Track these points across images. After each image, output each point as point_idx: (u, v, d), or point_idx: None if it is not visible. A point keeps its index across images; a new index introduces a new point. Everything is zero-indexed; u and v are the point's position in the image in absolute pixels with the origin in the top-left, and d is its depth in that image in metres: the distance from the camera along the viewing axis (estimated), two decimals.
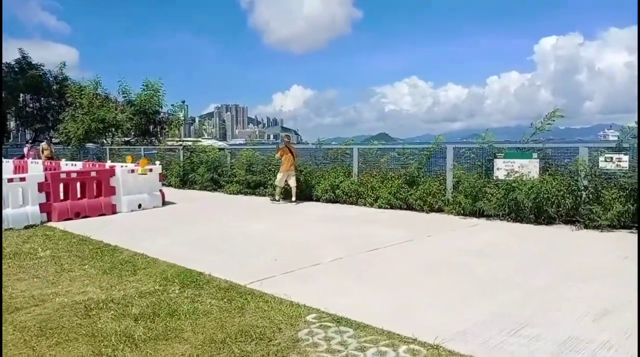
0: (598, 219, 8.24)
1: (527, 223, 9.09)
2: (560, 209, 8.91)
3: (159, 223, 9.83)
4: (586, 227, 8.46)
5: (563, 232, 8.37)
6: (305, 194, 13.20)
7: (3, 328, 4.14)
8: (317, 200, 12.89)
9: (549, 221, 9.00)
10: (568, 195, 8.84)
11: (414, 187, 11.06)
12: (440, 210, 10.64)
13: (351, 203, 12.19)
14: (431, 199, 10.69)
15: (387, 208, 11.30)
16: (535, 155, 9.54)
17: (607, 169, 8.64)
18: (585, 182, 8.75)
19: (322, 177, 13.07)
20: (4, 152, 24.86)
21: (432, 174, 11.21)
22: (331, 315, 4.28)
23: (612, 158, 8.59)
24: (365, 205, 11.82)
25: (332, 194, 12.52)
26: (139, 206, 11.84)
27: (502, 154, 10.00)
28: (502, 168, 9.96)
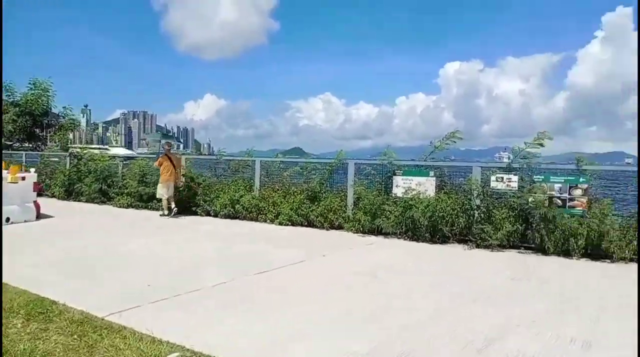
0: (489, 238, 8.41)
1: (423, 242, 9.10)
2: (454, 228, 9.02)
3: (24, 240, 8.56)
4: (478, 246, 8.60)
5: (456, 251, 8.44)
6: (202, 209, 12.41)
7: None
8: (216, 215, 12.15)
9: (444, 239, 9.07)
10: (462, 214, 8.97)
11: (316, 203, 10.75)
12: (340, 227, 10.41)
13: (251, 219, 11.61)
14: (332, 216, 10.43)
15: (288, 225, 10.86)
16: (432, 173, 9.63)
17: (498, 189, 8.90)
18: (478, 202, 8.95)
19: (222, 190, 12.37)
20: None
21: (334, 190, 10.98)
22: (196, 354, 3.68)
23: (502, 178, 8.85)
24: (265, 221, 11.30)
25: (232, 209, 11.86)
26: (7, 219, 10.35)
27: (401, 172, 10.01)
28: (400, 185, 9.95)
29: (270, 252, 7.85)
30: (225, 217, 11.94)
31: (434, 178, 9.60)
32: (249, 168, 12.46)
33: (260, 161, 12.15)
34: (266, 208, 11.42)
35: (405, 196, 9.63)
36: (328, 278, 6.23)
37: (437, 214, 8.93)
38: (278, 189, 11.69)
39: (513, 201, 8.56)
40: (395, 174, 10.07)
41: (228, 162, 12.98)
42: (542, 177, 8.54)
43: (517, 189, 8.71)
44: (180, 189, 12.48)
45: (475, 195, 8.96)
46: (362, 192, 10.15)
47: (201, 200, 12.52)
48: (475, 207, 8.94)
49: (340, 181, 11.03)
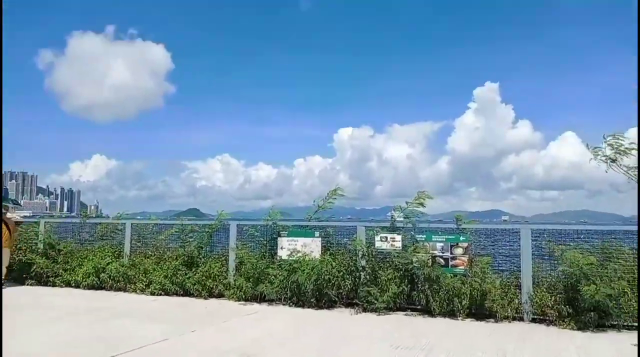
0: (375, 301, 7.96)
1: (309, 307, 8.43)
2: (341, 291, 8.51)
3: None
4: (365, 310, 8.10)
5: (342, 316, 7.86)
6: (62, 279, 10.71)
7: None
8: (77, 286, 10.50)
9: (330, 304, 8.49)
10: (348, 276, 8.51)
11: (193, 270, 9.69)
12: (220, 295, 9.40)
13: (119, 289, 10.18)
14: (211, 283, 9.41)
15: (160, 294, 9.62)
16: (317, 233, 9.15)
17: (383, 249, 8.60)
18: (363, 263, 8.55)
19: (86, 258, 10.82)
20: None
21: (215, 254, 10.02)
22: None
23: (386, 238, 8.60)
24: (135, 291, 9.93)
25: (96, 279, 10.34)
26: None
27: (286, 232, 9.41)
28: (285, 247, 9.32)
29: (131, 330, 6.65)
30: (89, 288, 10.37)
31: (319, 239, 9.11)
32: (120, 232, 11.10)
33: (132, 224, 10.88)
34: (136, 276, 10.10)
35: (290, 258, 8.99)
36: None
37: (322, 277, 8.36)
38: (151, 255, 10.47)
39: (398, 262, 8.28)
40: (280, 235, 9.44)
41: (95, 226, 11.50)
42: (425, 236, 8.41)
43: (401, 248, 8.48)
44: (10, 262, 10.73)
45: (360, 255, 8.58)
46: (244, 255, 9.33)
47: (61, 269, 10.84)
48: (361, 268, 8.53)
49: (222, 244, 10.13)
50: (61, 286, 10.68)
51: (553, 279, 7.67)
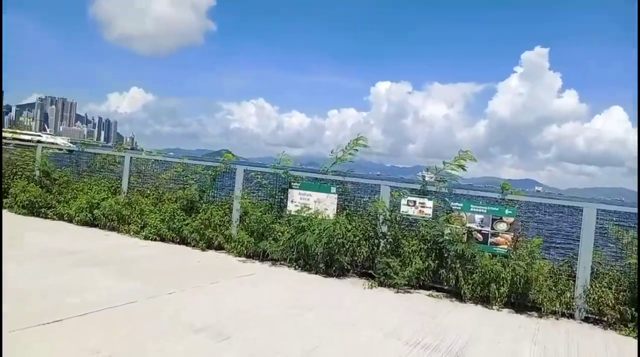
0: (394, 275, 6.69)
1: (316, 273, 7.25)
2: (356, 258, 7.28)
3: None
4: (381, 284, 6.86)
5: (353, 290, 6.63)
6: (55, 211, 9.81)
7: None
8: (70, 221, 9.60)
9: (342, 272, 7.28)
10: (365, 242, 7.22)
11: (193, 216, 8.57)
12: (220, 247, 8.31)
13: (112, 229, 9.23)
14: (210, 233, 8.30)
15: (156, 240, 8.61)
16: (334, 189, 7.82)
17: (409, 215, 7.23)
18: (385, 229, 7.22)
19: (82, 190, 9.85)
20: None
21: (218, 201, 8.83)
22: None
23: (415, 202, 7.20)
24: (129, 233, 8.95)
25: (90, 215, 9.39)
26: None
27: (298, 184, 8.11)
28: (296, 201, 8.06)
29: (97, 285, 5.58)
30: (82, 224, 9.45)
31: (336, 195, 7.78)
32: (119, 166, 10.03)
33: (131, 158, 9.76)
34: (131, 217, 9.08)
35: (300, 215, 7.74)
36: (137, 338, 4.10)
37: (335, 241, 7.09)
38: (149, 195, 9.39)
39: (426, 232, 6.91)
40: (291, 187, 8.16)
41: (93, 156, 10.44)
42: (461, 205, 6.96)
43: (431, 216, 7.09)
44: None
45: (381, 220, 7.22)
46: (248, 206, 8.12)
47: (54, 200, 9.93)
48: (381, 235, 7.20)
49: (227, 190, 8.93)
50: (53, 219, 9.80)
51: (617, 273, 6.20)
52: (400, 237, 7.10)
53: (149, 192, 9.47)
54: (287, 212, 8.05)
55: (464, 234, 6.71)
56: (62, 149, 12.38)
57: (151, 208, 9.03)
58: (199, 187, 8.84)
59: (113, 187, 9.82)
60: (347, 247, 7.15)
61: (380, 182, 7.54)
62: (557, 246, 6.82)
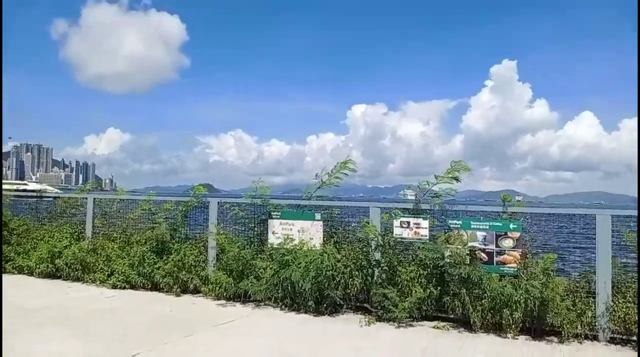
0: (393, 308, 5.92)
1: (305, 312, 6.45)
2: (349, 291, 6.50)
3: None
4: (379, 318, 6.08)
5: (349, 329, 5.83)
6: (14, 264, 8.87)
7: None
8: (31, 273, 8.68)
9: (334, 308, 6.49)
10: (357, 272, 6.47)
11: (164, 257, 7.72)
12: (196, 291, 7.47)
13: (77, 279, 8.33)
14: (185, 275, 7.45)
15: (124, 287, 7.75)
16: (319, 216, 7.08)
17: (403, 238, 6.51)
18: (378, 256, 6.48)
19: (42, 239, 8.94)
20: None
21: (191, 239, 8.00)
22: None
23: (409, 223, 6.50)
24: (95, 282, 8.06)
25: (51, 266, 8.48)
26: None
27: (279, 214, 7.36)
28: (278, 232, 7.30)
29: (49, 351, 4.71)
30: (43, 276, 8.55)
31: (321, 222, 7.04)
32: (81, 209, 9.15)
33: (94, 199, 8.89)
34: (96, 264, 8.20)
35: (283, 247, 6.96)
36: None
37: (324, 274, 6.32)
38: (116, 238, 8.51)
39: (424, 255, 6.18)
40: (271, 217, 7.40)
41: (53, 201, 9.56)
42: (460, 222, 6.28)
43: (428, 238, 6.39)
44: None
45: (373, 246, 6.49)
46: (225, 242, 7.31)
47: (12, 252, 8.99)
48: (375, 262, 6.45)
49: (201, 226, 8.12)
50: (13, 273, 8.86)
51: None
52: (396, 263, 6.36)
53: (115, 235, 8.60)
54: (269, 246, 7.27)
55: (466, 255, 5.99)
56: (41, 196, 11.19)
57: (118, 253, 8.16)
58: (170, 225, 8.01)
59: (76, 233, 8.91)
60: (337, 279, 6.38)
61: (369, 203, 6.83)
62: (569, 258, 6.16)
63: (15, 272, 8.87)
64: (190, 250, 7.67)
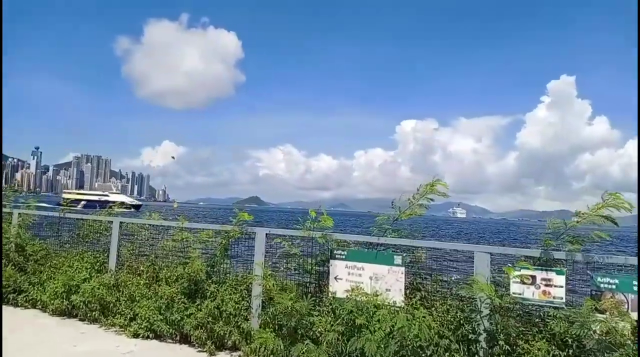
0: None
1: None
2: None
3: None
4: None
5: None
6: (28, 297, 7.54)
7: None
8: (44, 309, 7.33)
9: None
10: (457, 346, 4.57)
11: (198, 302, 6.12)
12: (235, 348, 5.80)
13: (94, 320, 6.87)
14: (222, 328, 5.80)
15: (147, 337, 6.21)
16: (398, 259, 5.25)
17: (525, 299, 4.57)
18: (487, 324, 4.56)
19: (60, 268, 7.59)
20: None
21: (232, 278, 6.35)
22: None
23: (533, 279, 4.56)
24: (114, 326, 6.58)
25: (67, 302, 7.08)
26: None
27: (344, 253, 5.59)
28: (343, 278, 5.52)
29: None
30: (57, 314, 7.19)
31: (403, 268, 5.20)
32: (106, 234, 7.72)
33: (121, 223, 7.44)
34: (117, 304, 6.71)
35: (350, 299, 5.18)
36: None
37: (411, 346, 4.48)
38: (143, 272, 7.01)
39: (560, 327, 4.23)
40: (333, 257, 5.63)
41: (78, 222, 8.20)
42: (617, 281, 4.28)
43: (564, 302, 4.42)
44: None
45: (485, 311, 4.58)
46: (273, 288, 5.59)
47: (27, 282, 7.68)
48: (483, 332, 4.55)
49: (244, 261, 6.47)
50: (26, 307, 7.53)
51: None
52: (513, 334, 4.43)
53: (142, 268, 7.10)
54: (330, 295, 5.50)
55: (630, 332, 4.00)
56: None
57: (144, 292, 6.63)
58: (206, 260, 6.42)
59: (98, 263, 7.49)
60: (428, 354, 4.52)
61: (474, 247, 4.91)
62: None
63: (29, 306, 7.53)
64: (230, 294, 6.02)
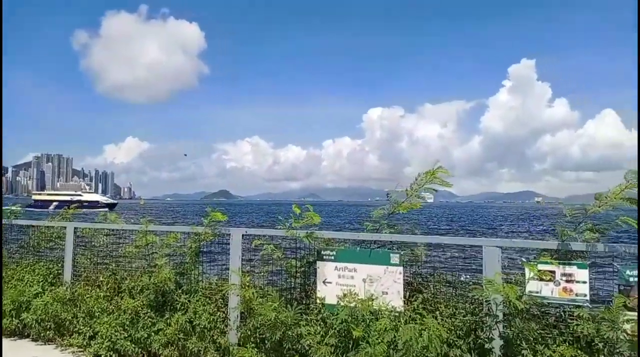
0: None
1: None
2: None
3: None
4: None
5: None
6: None
7: None
8: None
9: None
10: (468, 355, 4.00)
11: (167, 315, 5.38)
12: None
13: (48, 340, 6.05)
14: (196, 344, 5.09)
15: None
16: (396, 258, 4.63)
17: (544, 297, 4.02)
18: (501, 328, 4.00)
19: (9, 282, 6.69)
20: None
21: (205, 287, 5.59)
22: None
23: (553, 274, 4.01)
24: (71, 347, 5.77)
25: (17, 321, 6.22)
26: None
27: (333, 253, 4.93)
28: (333, 281, 4.88)
29: None
30: (6, 335, 6.33)
31: (401, 268, 4.59)
32: (60, 242, 6.83)
33: (75, 229, 6.56)
34: (74, 322, 5.90)
35: (342, 306, 4.54)
36: None
37: (415, 354, 3.88)
38: (103, 283, 6.19)
39: (584, 329, 3.71)
40: (321, 258, 4.97)
41: (28, 229, 7.26)
42: None
43: (588, 299, 3.90)
44: None
45: (500, 314, 4.01)
46: (252, 297, 4.89)
47: None
48: (499, 338, 3.99)
49: (219, 266, 5.74)
50: None
51: None
52: (531, 339, 3.89)
53: (102, 279, 6.27)
54: (319, 302, 4.85)
55: None
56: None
57: (104, 306, 5.84)
58: (175, 267, 5.66)
59: (52, 275, 6.63)
60: None
61: (483, 241, 4.31)
62: None
63: None
64: (204, 305, 5.30)
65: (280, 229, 5.10)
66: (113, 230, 6.44)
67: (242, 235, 5.43)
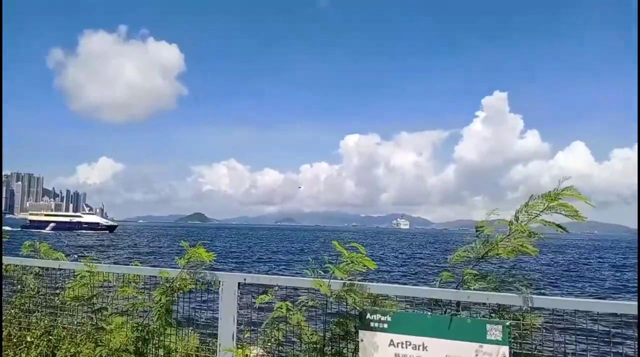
0: None
1: None
2: None
3: None
4: None
5: None
6: None
7: None
8: None
9: None
10: None
11: None
12: None
13: None
14: None
15: None
16: (497, 330, 2.86)
17: None
18: None
19: None
20: None
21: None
22: None
23: None
24: None
25: None
26: None
27: (386, 318, 3.14)
28: None
29: None
30: None
31: (507, 347, 2.82)
32: None
33: (5, 267, 4.59)
34: None
35: None
36: None
37: None
38: (32, 344, 4.22)
39: None
40: (366, 324, 3.16)
41: None
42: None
43: None
44: None
45: None
46: None
47: None
48: None
49: (202, 323, 3.87)
50: None
51: None
52: None
53: (30, 339, 4.30)
54: None
55: None
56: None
57: None
58: (135, 328, 3.75)
59: None
60: None
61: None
62: None
63: None
64: None
65: (304, 277, 3.27)
66: (45, 268, 4.49)
67: (239, 283, 3.58)
